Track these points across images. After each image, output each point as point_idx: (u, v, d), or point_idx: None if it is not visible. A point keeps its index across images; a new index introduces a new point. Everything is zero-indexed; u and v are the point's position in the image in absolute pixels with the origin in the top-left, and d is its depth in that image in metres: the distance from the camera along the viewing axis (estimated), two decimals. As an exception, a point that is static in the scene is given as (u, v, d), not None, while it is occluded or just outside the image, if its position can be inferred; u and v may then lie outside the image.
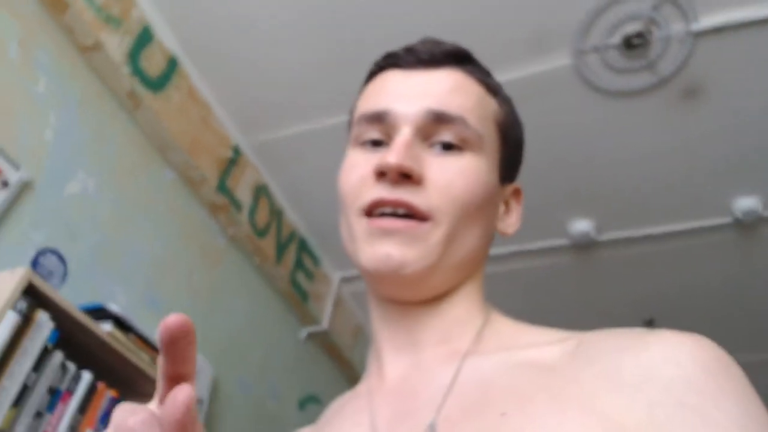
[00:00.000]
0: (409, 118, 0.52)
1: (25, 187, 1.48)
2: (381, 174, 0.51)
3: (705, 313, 2.66)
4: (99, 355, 1.42)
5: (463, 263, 0.54)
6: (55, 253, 1.54)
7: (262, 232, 2.32)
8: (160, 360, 0.33)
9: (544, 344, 0.49)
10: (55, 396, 1.30)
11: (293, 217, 2.57)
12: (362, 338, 3.06)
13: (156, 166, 1.96)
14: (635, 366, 0.41)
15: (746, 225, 2.25)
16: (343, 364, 2.88)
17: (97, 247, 1.66)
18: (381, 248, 0.50)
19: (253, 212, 2.28)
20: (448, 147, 0.53)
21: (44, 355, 1.27)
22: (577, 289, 2.69)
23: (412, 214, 0.50)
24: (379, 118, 0.54)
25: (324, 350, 2.80)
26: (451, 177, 0.52)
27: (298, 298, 2.53)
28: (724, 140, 2.02)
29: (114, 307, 1.41)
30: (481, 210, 0.54)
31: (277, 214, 2.45)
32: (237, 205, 2.19)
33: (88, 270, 1.62)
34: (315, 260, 2.69)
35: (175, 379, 0.32)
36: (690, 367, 0.40)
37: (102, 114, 1.77)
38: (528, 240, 2.43)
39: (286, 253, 2.47)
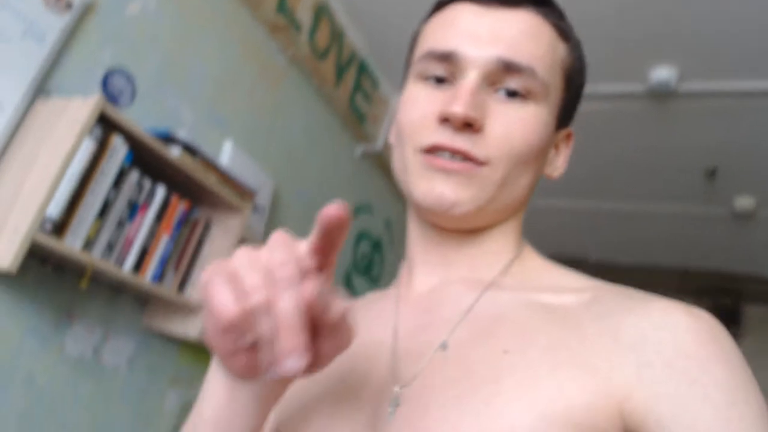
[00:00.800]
0: (477, 62, 0.52)
1: (88, 8, 1.53)
2: (444, 120, 0.51)
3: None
4: (170, 173, 1.59)
5: (509, 205, 0.56)
6: (123, 73, 1.64)
7: (322, 54, 2.32)
8: (313, 236, 0.40)
9: (563, 290, 0.52)
10: (134, 208, 1.50)
11: (354, 38, 2.53)
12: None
13: (215, -19, 1.93)
14: (633, 328, 0.44)
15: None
16: (393, 182, 3.04)
17: (162, 67, 1.75)
18: (436, 187, 0.52)
19: (313, 33, 2.26)
20: (512, 94, 0.53)
21: (122, 174, 1.44)
22: (642, 135, 2.62)
23: (469, 159, 0.52)
24: (446, 58, 0.53)
25: (377, 168, 2.94)
26: (512, 127, 0.52)
27: (356, 119, 2.60)
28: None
29: (182, 134, 1.54)
30: (535, 158, 0.55)
31: (338, 35, 2.42)
32: (297, 26, 2.17)
33: (154, 89, 1.72)
34: (374, 82, 2.70)
35: (321, 253, 0.40)
36: (682, 333, 0.43)
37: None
38: (603, 81, 2.32)
39: (345, 75, 2.49)
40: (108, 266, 1.41)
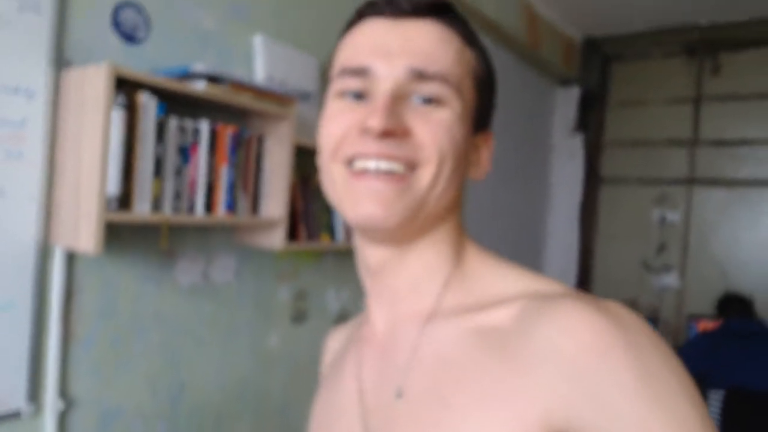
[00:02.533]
0: (391, 75, 0.53)
1: (67, -48, 1.39)
2: (365, 132, 0.53)
3: None
4: (207, 105, 1.56)
5: (442, 208, 0.57)
6: (131, 5, 1.54)
7: None
8: None
9: (497, 303, 0.54)
10: (185, 152, 1.51)
11: None
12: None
13: None
14: (543, 340, 0.47)
15: None
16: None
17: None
18: (365, 206, 0.53)
19: None
20: (428, 100, 0.54)
21: (161, 126, 1.43)
22: None
23: (396, 167, 0.53)
24: (360, 73, 0.55)
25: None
26: (434, 128, 0.53)
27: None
28: None
29: (200, 67, 1.46)
30: (460, 158, 0.56)
31: None
32: None
33: (167, 7, 1.60)
34: None
35: None
36: (585, 333, 0.45)
37: None
38: None
39: None
40: (181, 218, 1.48)
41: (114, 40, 1.50)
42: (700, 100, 3.83)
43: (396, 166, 0.53)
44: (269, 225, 1.74)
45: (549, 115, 4.01)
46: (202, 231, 1.74)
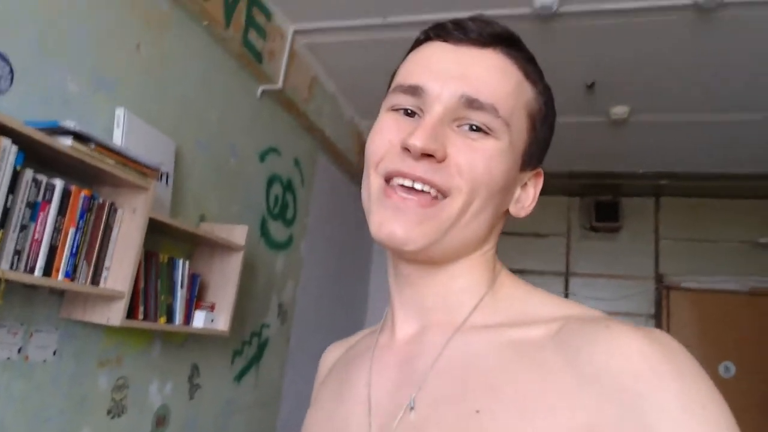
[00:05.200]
0: (442, 98, 0.54)
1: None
2: (406, 149, 0.53)
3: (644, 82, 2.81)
4: (65, 164, 1.49)
5: (468, 240, 0.57)
6: (-7, 52, 1.46)
7: (207, -6, 2.14)
8: None
9: (533, 322, 0.53)
10: (35, 208, 1.41)
11: (240, -30, 2.34)
12: (318, 89, 3.09)
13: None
14: (590, 360, 0.46)
15: (706, 9, 2.22)
16: (299, 117, 2.98)
17: (38, 39, 1.56)
18: (387, 225, 0.54)
19: (195, -28, 2.07)
20: (475, 129, 0.54)
21: (15, 176, 1.33)
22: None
23: (428, 189, 0.53)
24: (413, 92, 0.55)
25: (280, 106, 2.85)
26: (473, 158, 0.53)
27: (252, 57, 2.48)
28: None
29: (70, 124, 1.42)
30: (495, 195, 0.55)
31: (221, -31, 2.23)
32: (176, -34, 1.98)
33: (34, 65, 1.55)
34: (267, 14, 2.55)
35: None
36: (634, 358, 0.45)
37: None
38: (492, 7, 2.35)
39: (235, 11, 2.33)
40: (19, 276, 1.34)
41: (-31, 84, 1.40)
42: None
43: (428, 189, 0.53)
44: (109, 298, 1.63)
45: (369, 234, 4.36)
46: (28, 298, 1.57)
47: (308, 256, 3.26)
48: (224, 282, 2.19)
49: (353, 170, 3.71)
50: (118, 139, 1.79)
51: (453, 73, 0.54)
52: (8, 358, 1.52)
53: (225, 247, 2.20)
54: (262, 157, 2.74)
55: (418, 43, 0.60)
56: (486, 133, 0.54)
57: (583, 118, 3.27)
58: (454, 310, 0.58)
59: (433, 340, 0.57)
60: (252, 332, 2.74)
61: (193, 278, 2.05)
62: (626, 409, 0.43)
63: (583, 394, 0.45)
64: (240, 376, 2.66)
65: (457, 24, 0.57)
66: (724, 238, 4.16)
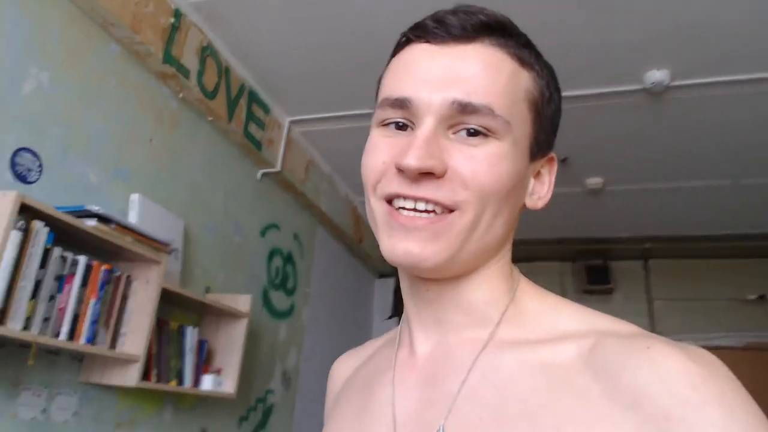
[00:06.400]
0: (432, 108, 0.50)
1: (-12, 98, 1.61)
2: (401, 171, 0.50)
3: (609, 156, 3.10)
4: (88, 242, 1.73)
5: (488, 247, 0.54)
6: (28, 150, 1.74)
7: (212, 94, 2.47)
8: None
9: (562, 338, 0.50)
10: (61, 281, 1.64)
11: (241, 72, 2.69)
12: (314, 170, 3.39)
13: (101, 42, 2.03)
14: (630, 383, 0.43)
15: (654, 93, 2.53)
16: (297, 196, 3.27)
17: (64, 136, 1.85)
18: (400, 244, 0.51)
19: (201, 75, 2.40)
20: (473, 133, 0.51)
21: (46, 253, 1.57)
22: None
23: (433, 208, 0.50)
24: (401, 105, 0.52)
25: (279, 187, 3.14)
26: (476, 166, 0.50)
27: (252, 146, 2.78)
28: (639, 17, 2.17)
29: (94, 208, 1.68)
30: (508, 198, 0.52)
31: (224, 71, 2.57)
32: (185, 72, 2.30)
33: (60, 159, 1.83)
34: (265, 109, 2.88)
35: None
36: (676, 382, 0.42)
37: (41, 3, 1.80)
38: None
39: (237, 107, 2.65)
40: (47, 339, 1.55)
41: (8, 176, 1.67)
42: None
43: (433, 207, 0.50)
44: (126, 361, 1.82)
45: (370, 301, 4.54)
46: (52, 363, 1.76)
47: (310, 323, 3.45)
48: (230, 347, 2.38)
49: (351, 242, 3.94)
50: (133, 220, 2.05)
51: (440, 78, 0.51)
52: (33, 418, 1.70)
53: (230, 315, 2.40)
54: (263, 233, 2.99)
55: (399, 46, 0.57)
56: (486, 135, 0.50)
57: (562, 189, 3.53)
58: (478, 324, 0.55)
59: (461, 357, 0.54)
60: (257, 398, 2.89)
61: (201, 344, 2.24)
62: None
63: (624, 421, 0.43)
64: (246, 443, 2.78)
65: (438, 21, 0.53)
66: (714, 297, 4.30)
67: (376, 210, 0.53)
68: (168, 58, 2.22)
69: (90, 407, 1.89)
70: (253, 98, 2.79)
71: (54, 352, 1.77)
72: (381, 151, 0.53)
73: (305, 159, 3.28)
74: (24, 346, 1.64)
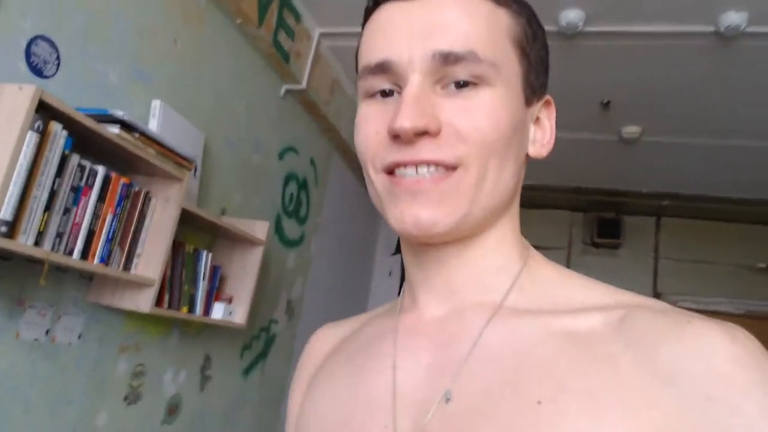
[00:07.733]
0: (414, 64, 0.47)
1: (-1, -30, 1.35)
2: (396, 136, 0.47)
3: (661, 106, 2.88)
4: (109, 151, 1.52)
5: (496, 203, 0.51)
6: (46, 39, 1.49)
7: (244, -7, 2.18)
8: None
9: (586, 309, 0.48)
10: (77, 192, 1.44)
11: (275, -29, 2.39)
12: (339, 92, 3.14)
13: None
14: (668, 358, 0.41)
15: (727, 37, 2.29)
16: (319, 118, 3.03)
17: (84, 29, 1.60)
18: (409, 210, 0.48)
19: (234, -30, 2.11)
20: (463, 84, 0.48)
21: (63, 160, 1.36)
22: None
23: (435, 169, 0.48)
24: (382, 69, 0.49)
25: (302, 106, 2.90)
26: (472, 118, 0.47)
27: (280, 57, 2.51)
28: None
29: (119, 113, 1.46)
30: (509, 144, 0.49)
31: (258, -32, 2.27)
32: (217, -36, 2.02)
33: (78, 54, 1.58)
34: (296, 16, 2.59)
35: None
36: (719, 360, 0.40)
37: None
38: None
39: (268, 11, 2.37)
40: (59, 257, 1.37)
41: (22, 68, 1.43)
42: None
43: (434, 169, 0.48)
44: (140, 285, 1.66)
45: (375, 236, 4.40)
46: (59, 281, 1.59)
47: (318, 254, 3.30)
48: (243, 275, 2.22)
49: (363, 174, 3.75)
50: (154, 129, 1.83)
51: (416, 32, 0.47)
52: (36, 339, 1.54)
53: (246, 241, 2.23)
54: (281, 155, 2.78)
55: (368, 12, 0.53)
56: (476, 84, 0.47)
57: (595, 135, 3.34)
58: (489, 290, 0.52)
59: (469, 323, 0.51)
60: (261, 327, 2.77)
61: (215, 270, 2.08)
62: (708, 418, 0.39)
63: (660, 395, 0.41)
64: (247, 371, 2.69)
65: None
66: (722, 261, 4.24)
67: (378, 183, 0.51)
68: (200, -55, 1.93)
69: (95, 329, 1.74)
70: (286, 2, 2.49)
71: (62, 270, 1.60)
72: (372, 122, 0.50)
73: (331, 78, 3.02)
74: (31, 261, 1.46)
